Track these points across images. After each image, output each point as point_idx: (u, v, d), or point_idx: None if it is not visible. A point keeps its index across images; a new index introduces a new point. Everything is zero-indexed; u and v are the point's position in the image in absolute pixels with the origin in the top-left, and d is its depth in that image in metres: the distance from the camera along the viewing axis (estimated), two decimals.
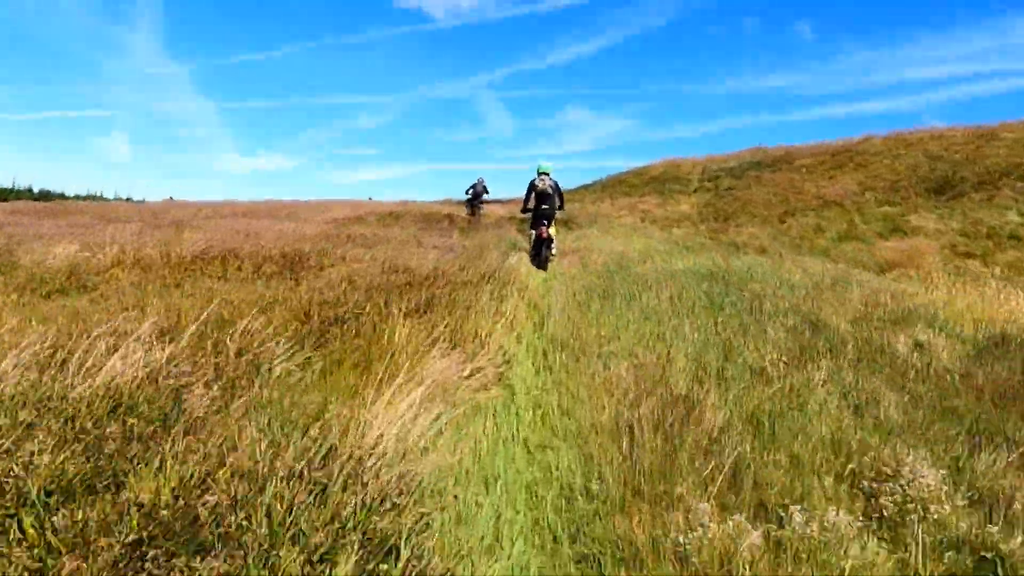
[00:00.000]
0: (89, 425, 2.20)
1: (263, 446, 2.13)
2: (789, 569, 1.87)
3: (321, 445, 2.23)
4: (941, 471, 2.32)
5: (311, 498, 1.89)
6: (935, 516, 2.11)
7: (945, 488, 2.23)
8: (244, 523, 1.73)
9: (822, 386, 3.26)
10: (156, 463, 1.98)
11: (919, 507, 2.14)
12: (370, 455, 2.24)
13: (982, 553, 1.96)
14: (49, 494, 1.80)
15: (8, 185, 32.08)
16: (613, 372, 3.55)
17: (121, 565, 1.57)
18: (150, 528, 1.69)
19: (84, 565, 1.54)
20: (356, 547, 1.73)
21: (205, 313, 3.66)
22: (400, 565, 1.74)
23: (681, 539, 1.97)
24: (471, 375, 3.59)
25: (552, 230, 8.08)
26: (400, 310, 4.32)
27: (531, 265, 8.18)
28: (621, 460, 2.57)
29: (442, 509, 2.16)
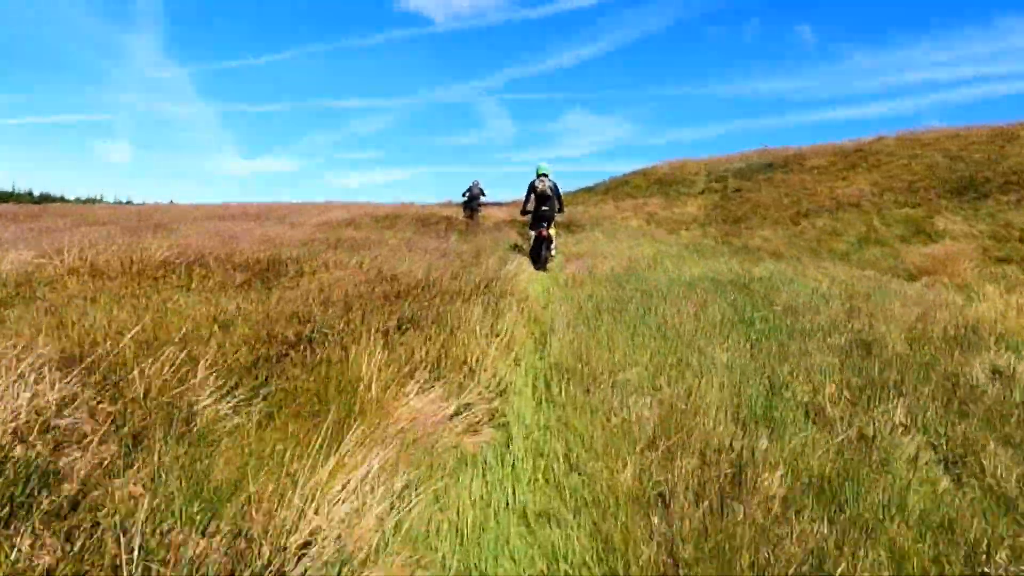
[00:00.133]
0: None
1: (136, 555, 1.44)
2: None
3: (230, 546, 1.54)
4: None
5: None
6: None
7: None
8: None
9: (903, 433, 2.57)
10: None
11: None
12: (297, 559, 1.55)
13: None
14: None
15: (8, 189, 31.66)
16: (632, 411, 2.86)
17: None
18: None
19: None
20: None
21: (132, 333, 2.98)
22: None
23: None
24: (457, 414, 2.90)
25: (552, 231, 8.15)
26: (376, 330, 3.64)
27: (531, 272, 7.60)
28: (654, 549, 1.88)
29: None
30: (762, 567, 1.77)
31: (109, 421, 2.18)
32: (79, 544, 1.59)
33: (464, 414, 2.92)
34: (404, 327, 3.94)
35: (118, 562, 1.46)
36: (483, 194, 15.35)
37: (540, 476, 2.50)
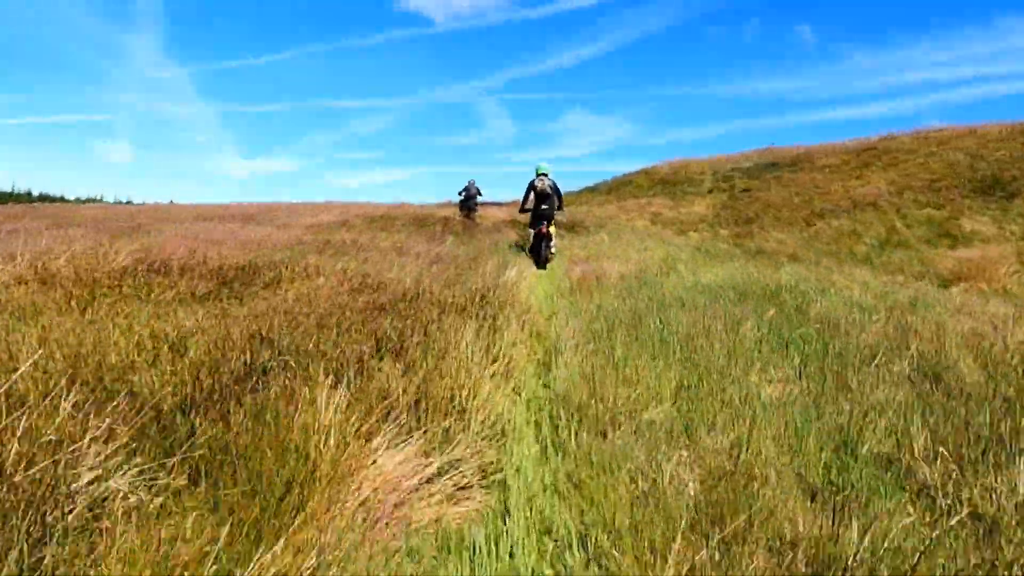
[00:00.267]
0: None
1: None
2: None
3: None
4: None
5: None
6: None
7: None
8: None
9: None
10: None
11: None
12: None
13: None
14: None
15: (8, 189, 31.21)
16: (665, 471, 2.22)
17: None
18: None
19: None
20: None
21: (30, 360, 2.34)
22: None
23: None
24: (440, 474, 2.27)
25: (552, 229, 8.35)
26: (342, 361, 3.00)
27: (533, 279, 6.99)
28: None
29: None
30: None
31: None
32: None
33: (450, 474, 2.28)
34: (382, 351, 3.30)
35: None
36: (480, 193, 14.99)
37: (549, 571, 1.86)
